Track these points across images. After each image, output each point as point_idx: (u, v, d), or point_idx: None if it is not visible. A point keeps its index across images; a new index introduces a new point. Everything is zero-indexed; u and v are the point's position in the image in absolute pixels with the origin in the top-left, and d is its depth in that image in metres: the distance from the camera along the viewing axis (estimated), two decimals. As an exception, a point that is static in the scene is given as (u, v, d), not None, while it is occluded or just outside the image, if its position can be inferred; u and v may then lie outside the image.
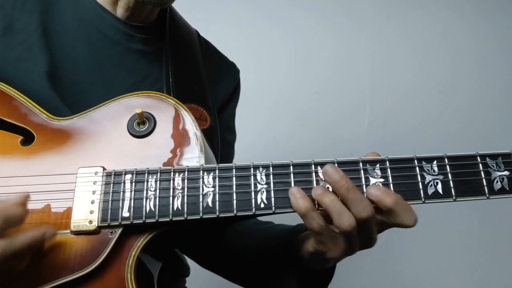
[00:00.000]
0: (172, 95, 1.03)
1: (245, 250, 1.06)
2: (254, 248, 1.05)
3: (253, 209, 0.77)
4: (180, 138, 0.84)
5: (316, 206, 0.76)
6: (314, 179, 0.78)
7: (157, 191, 0.78)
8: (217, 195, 0.77)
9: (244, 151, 1.29)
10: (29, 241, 0.69)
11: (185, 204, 0.77)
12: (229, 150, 1.25)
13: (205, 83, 1.13)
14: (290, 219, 1.11)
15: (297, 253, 0.89)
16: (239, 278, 1.10)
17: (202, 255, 1.18)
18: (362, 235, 0.77)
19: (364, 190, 0.77)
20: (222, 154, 1.16)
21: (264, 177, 0.78)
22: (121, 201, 0.78)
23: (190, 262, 1.21)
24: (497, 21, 2.33)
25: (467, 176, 0.78)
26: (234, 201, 0.77)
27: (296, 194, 0.75)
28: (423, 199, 0.77)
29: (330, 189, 0.76)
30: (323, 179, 0.77)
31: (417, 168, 0.79)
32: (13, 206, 0.69)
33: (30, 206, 0.78)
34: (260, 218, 1.14)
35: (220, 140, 1.14)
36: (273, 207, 0.77)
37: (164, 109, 0.86)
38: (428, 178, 0.78)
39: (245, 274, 1.08)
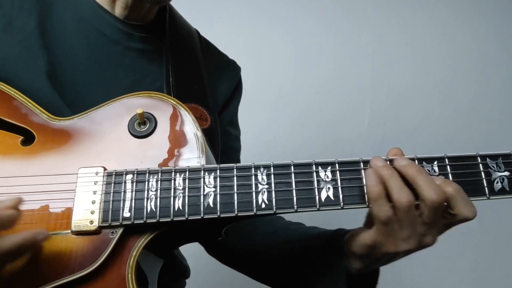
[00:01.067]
0: (172, 95, 1.03)
1: (281, 250, 1.04)
2: (292, 248, 1.03)
3: (254, 209, 0.77)
4: (181, 139, 0.84)
5: None
6: (315, 179, 0.78)
7: (158, 191, 0.78)
8: (218, 195, 0.77)
9: (244, 151, 1.29)
10: (19, 242, 0.68)
11: (186, 205, 0.77)
12: (236, 144, 1.25)
13: (206, 82, 1.13)
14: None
15: (348, 250, 0.86)
16: (274, 279, 1.08)
17: (228, 255, 1.17)
18: (425, 224, 0.76)
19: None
20: (229, 148, 1.17)
21: (265, 177, 0.78)
22: (122, 201, 0.78)
23: (191, 263, 1.21)
24: (497, 21, 2.33)
25: (467, 177, 0.78)
26: (235, 202, 0.77)
27: (372, 177, 0.76)
28: (423, 199, 0.77)
29: None
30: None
31: (418, 169, 0.79)
32: (4, 209, 0.69)
33: (31, 206, 0.78)
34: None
35: (224, 134, 1.14)
36: (274, 208, 0.77)
37: (165, 110, 0.86)
38: (429, 178, 0.78)
39: (281, 275, 1.05)
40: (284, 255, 1.03)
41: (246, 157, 1.19)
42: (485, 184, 0.78)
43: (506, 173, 0.78)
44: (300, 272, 1.00)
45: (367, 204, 0.77)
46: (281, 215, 1.11)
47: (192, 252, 1.21)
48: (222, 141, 1.12)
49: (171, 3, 1.12)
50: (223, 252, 1.18)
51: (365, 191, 0.77)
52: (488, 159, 0.79)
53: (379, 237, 0.78)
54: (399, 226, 0.76)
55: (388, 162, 0.78)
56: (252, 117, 1.93)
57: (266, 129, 2.10)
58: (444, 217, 0.77)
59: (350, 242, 0.85)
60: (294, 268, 1.01)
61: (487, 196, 0.78)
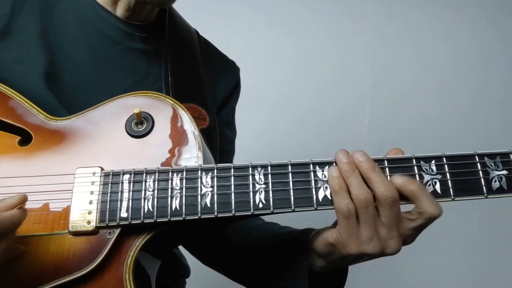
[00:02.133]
0: (171, 95, 1.02)
1: (252, 247, 1.05)
2: (262, 245, 1.03)
3: (252, 209, 0.76)
4: (178, 138, 0.84)
5: None
6: (313, 179, 0.78)
7: (155, 191, 0.78)
8: (215, 195, 0.77)
9: (244, 151, 1.29)
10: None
11: (183, 205, 0.77)
12: (230, 146, 1.24)
13: (204, 82, 1.12)
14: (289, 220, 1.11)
15: (311, 247, 0.87)
16: (244, 276, 1.08)
17: (205, 253, 1.17)
18: (384, 225, 0.76)
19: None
20: (222, 149, 1.16)
21: (262, 177, 0.78)
22: (119, 202, 0.77)
23: (191, 262, 1.21)
24: (497, 20, 2.32)
25: (465, 176, 0.78)
26: (233, 201, 0.77)
27: (333, 172, 0.77)
28: (421, 199, 0.77)
29: None
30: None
31: (416, 168, 0.78)
32: (5, 208, 0.68)
33: (29, 206, 0.77)
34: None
35: (219, 135, 1.14)
36: (272, 207, 0.77)
37: (162, 109, 0.86)
38: (427, 177, 0.78)
39: (250, 272, 1.05)
40: (253, 253, 1.03)
41: (246, 157, 1.19)
42: (483, 183, 0.77)
43: (504, 172, 0.78)
44: (267, 270, 1.00)
45: None
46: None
47: (192, 252, 1.20)
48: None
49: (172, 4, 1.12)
50: (202, 252, 1.18)
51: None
52: (486, 158, 0.78)
53: (341, 236, 0.77)
54: (360, 224, 0.76)
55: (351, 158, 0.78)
56: (252, 117, 1.94)
57: (266, 129, 2.10)
58: (409, 219, 0.77)
59: (313, 240, 0.85)
60: (261, 266, 1.01)
61: (485, 195, 0.77)
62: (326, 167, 0.79)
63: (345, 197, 0.75)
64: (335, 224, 0.85)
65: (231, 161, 1.24)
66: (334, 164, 0.79)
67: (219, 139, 1.14)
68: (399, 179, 0.76)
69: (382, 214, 0.76)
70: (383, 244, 0.77)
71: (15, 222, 0.69)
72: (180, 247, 1.17)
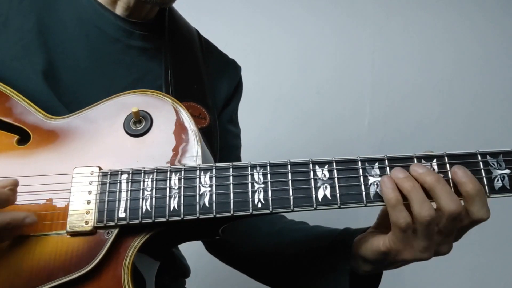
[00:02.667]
0: (170, 93, 1.02)
1: (285, 251, 1.03)
2: (296, 248, 1.02)
3: (250, 209, 0.76)
4: (177, 137, 0.83)
5: None
6: (312, 178, 0.77)
7: (154, 191, 0.77)
8: (214, 195, 0.76)
9: (244, 151, 1.28)
10: (7, 221, 0.70)
11: (182, 205, 0.76)
12: (237, 141, 1.24)
13: (205, 81, 1.12)
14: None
15: (356, 253, 0.86)
16: (272, 278, 1.07)
17: (228, 253, 1.17)
18: (442, 234, 0.75)
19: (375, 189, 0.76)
20: (229, 145, 1.17)
21: (261, 177, 0.77)
22: (117, 202, 0.77)
23: (190, 262, 1.21)
24: (499, 20, 2.31)
25: (468, 175, 0.77)
26: (231, 201, 0.76)
27: (388, 184, 0.74)
28: (422, 198, 0.76)
29: None
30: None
31: (417, 167, 0.77)
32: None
33: (26, 206, 0.77)
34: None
35: (224, 131, 1.14)
36: (271, 207, 0.76)
37: (160, 108, 0.85)
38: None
39: (284, 276, 1.04)
40: (288, 257, 1.02)
41: (246, 158, 1.19)
42: (485, 182, 0.76)
43: (507, 171, 0.76)
44: (304, 274, 0.99)
45: (364, 203, 0.76)
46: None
47: (192, 252, 1.20)
48: (223, 138, 1.12)
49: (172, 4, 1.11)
50: (223, 251, 1.17)
51: (383, 198, 0.75)
52: (488, 157, 0.77)
53: (395, 245, 0.77)
54: (417, 236, 0.75)
55: (408, 172, 0.75)
56: (252, 117, 1.93)
57: (266, 129, 2.09)
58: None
59: (360, 246, 0.85)
60: (297, 270, 1.00)
61: (487, 194, 0.75)
62: (326, 166, 0.78)
63: (403, 211, 0.73)
64: (377, 226, 0.85)
65: (239, 156, 1.25)
66: (387, 173, 0.76)
67: (225, 136, 1.14)
68: (461, 174, 0.74)
69: (442, 224, 0.74)
70: (436, 249, 0.77)
71: (6, 200, 0.71)
72: (183, 247, 1.16)
